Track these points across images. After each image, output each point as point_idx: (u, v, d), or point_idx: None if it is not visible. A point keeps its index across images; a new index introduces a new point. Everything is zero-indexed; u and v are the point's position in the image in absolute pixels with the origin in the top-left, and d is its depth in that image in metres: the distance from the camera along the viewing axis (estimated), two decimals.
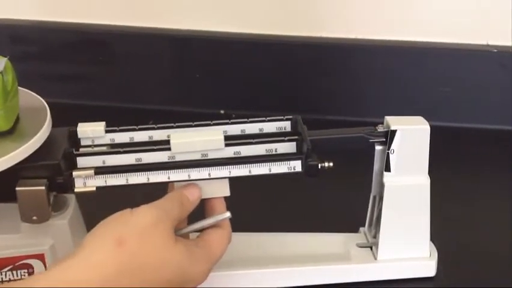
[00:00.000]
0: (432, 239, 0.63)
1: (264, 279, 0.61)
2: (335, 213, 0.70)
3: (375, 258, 0.62)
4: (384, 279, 0.62)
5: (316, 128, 0.59)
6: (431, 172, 0.60)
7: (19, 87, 0.56)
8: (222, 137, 0.55)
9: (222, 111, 0.93)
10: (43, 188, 0.52)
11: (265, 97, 0.92)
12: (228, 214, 0.55)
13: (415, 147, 0.59)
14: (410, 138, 0.58)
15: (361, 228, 0.66)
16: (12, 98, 0.54)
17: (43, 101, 0.58)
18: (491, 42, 0.88)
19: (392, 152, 0.59)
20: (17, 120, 0.55)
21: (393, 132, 0.58)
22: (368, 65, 0.90)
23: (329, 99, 0.91)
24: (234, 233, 0.64)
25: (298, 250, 0.63)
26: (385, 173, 0.60)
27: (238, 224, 0.65)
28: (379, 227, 0.61)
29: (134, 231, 0.48)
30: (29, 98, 0.58)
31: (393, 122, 0.59)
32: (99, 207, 0.62)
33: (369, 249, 0.63)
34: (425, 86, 0.89)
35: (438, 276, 0.63)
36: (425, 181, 0.60)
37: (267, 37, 0.90)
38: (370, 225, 0.64)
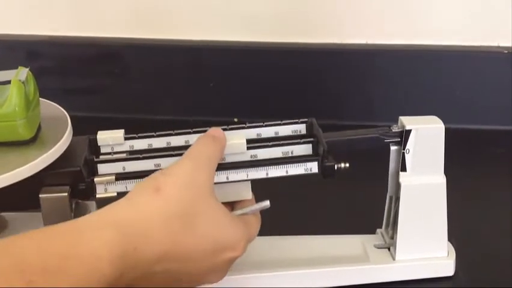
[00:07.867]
0: (450, 238, 0.63)
1: (283, 281, 0.61)
2: (351, 215, 0.70)
3: (393, 259, 0.62)
4: (402, 280, 0.63)
5: None
6: (447, 173, 0.61)
7: (40, 98, 0.58)
8: (244, 141, 0.56)
9: (236, 120, 0.93)
10: (66, 194, 0.53)
11: (278, 104, 0.92)
12: (268, 202, 0.56)
13: (430, 146, 0.59)
14: (425, 138, 0.59)
15: (378, 230, 0.66)
16: (34, 107, 0.56)
17: (64, 111, 0.59)
18: (502, 44, 0.89)
19: (407, 151, 0.59)
20: (39, 129, 0.56)
21: (408, 131, 0.59)
22: (381, 69, 0.90)
23: (342, 105, 0.92)
24: None
25: (316, 252, 0.64)
26: (401, 173, 0.60)
27: None
28: (396, 227, 0.62)
29: (170, 180, 0.50)
30: (50, 108, 0.60)
31: (407, 121, 0.59)
32: None
33: (386, 250, 0.64)
34: (437, 88, 0.89)
35: (457, 275, 0.63)
36: (441, 180, 0.60)
37: (280, 45, 0.91)
38: (387, 226, 0.64)
